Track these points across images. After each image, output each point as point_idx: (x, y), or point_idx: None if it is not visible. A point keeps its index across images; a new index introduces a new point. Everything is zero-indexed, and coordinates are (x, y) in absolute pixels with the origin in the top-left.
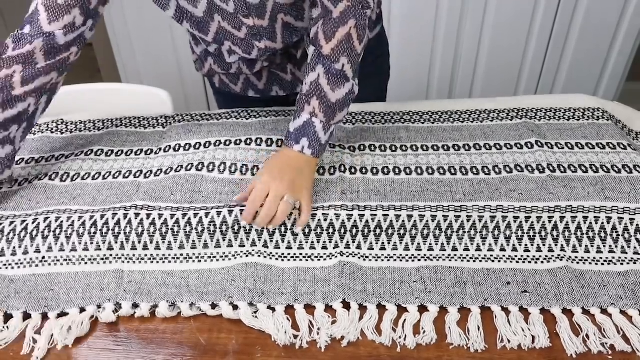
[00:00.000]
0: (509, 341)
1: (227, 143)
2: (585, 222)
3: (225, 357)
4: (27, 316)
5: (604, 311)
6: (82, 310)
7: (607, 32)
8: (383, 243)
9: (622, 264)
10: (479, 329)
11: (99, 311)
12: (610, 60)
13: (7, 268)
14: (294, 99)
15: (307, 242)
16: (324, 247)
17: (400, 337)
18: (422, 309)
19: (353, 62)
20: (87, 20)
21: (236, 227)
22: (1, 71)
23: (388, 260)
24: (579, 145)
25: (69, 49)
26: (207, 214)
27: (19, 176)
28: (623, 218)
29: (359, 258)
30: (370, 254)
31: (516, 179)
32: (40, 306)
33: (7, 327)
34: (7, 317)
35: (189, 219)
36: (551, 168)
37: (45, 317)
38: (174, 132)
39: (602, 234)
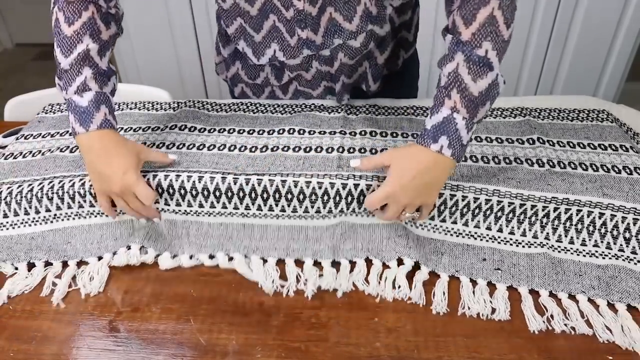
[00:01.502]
0: (468, 308)
1: (231, 131)
2: (577, 215)
3: (225, 357)
4: (48, 266)
5: (572, 297)
6: (100, 258)
7: (607, 32)
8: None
9: (604, 258)
10: (443, 294)
11: (112, 258)
12: (610, 60)
13: (25, 226)
14: None
15: (300, 208)
16: (318, 211)
17: (383, 290)
18: (401, 263)
19: (499, 49)
20: None
21: (229, 194)
22: (81, 14)
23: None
24: (581, 145)
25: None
26: (200, 179)
27: (34, 148)
28: (616, 215)
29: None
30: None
31: (514, 169)
32: (60, 256)
33: (31, 274)
34: (30, 266)
35: (182, 180)
36: (551, 163)
37: (65, 265)
38: (182, 115)
39: (591, 228)
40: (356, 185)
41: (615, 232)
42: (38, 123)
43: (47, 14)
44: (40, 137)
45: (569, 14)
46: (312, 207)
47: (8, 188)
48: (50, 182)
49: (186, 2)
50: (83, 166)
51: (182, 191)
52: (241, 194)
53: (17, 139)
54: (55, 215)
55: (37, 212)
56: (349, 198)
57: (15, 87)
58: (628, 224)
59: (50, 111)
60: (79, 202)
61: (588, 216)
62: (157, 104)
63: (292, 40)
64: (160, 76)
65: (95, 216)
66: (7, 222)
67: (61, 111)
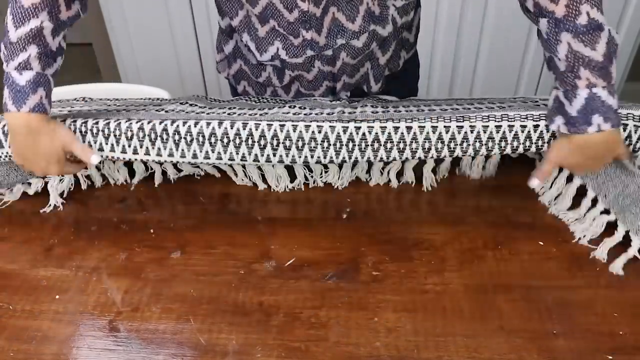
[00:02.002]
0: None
1: (232, 108)
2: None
3: (225, 357)
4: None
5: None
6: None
7: None
8: (381, 158)
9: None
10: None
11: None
12: None
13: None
14: None
15: (299, 157)
16: (318, 161)
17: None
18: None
19: (597, 5)
20: None
21: (225, 140)
22: (31, 21)
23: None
24: None
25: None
26: (196, 124)
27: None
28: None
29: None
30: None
31: (521, 107)
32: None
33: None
34: None
35: (177, 126)
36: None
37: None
38: (185, 98)
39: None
40: (357, 129)
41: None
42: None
43: None
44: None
45: None
46: (312, 156)
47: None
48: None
49: (186, 2)
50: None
51: (177, 136)
52: (237, 140)
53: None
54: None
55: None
56: (350, 144)
57: None
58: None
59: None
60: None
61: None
62: (163, 100)
63: (296, 41)
64: (160, 76)
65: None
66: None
67: (70, 106)
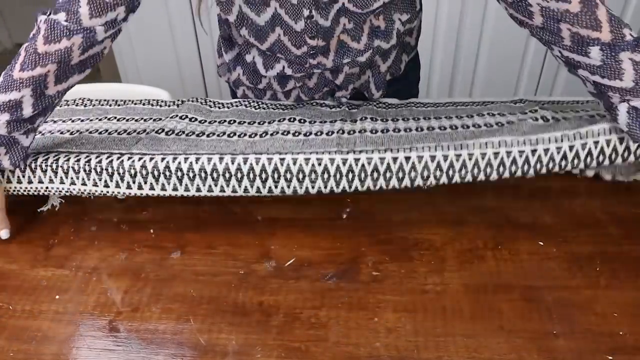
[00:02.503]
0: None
1: (231, 122)
2: (596, 147)
3: (225, 357)
4: None
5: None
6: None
7: None
8: (381, 187)
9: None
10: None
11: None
12: None
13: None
14: None
15: (300, 188)
16: (319, 192)
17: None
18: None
19: (630, 27)
20: (129, 14)
21: (227, 175)
22: (35, 68)
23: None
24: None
25: (103, 43)
26: (197, 160)
27: (63, 129)
28: (623, 138)
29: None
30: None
31: (519, 123)
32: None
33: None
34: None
35: (180, 162)
36: (555, 118)
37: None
38: (184, 107)
39: (613, 156)
40: (357, 160)
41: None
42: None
43: None
44: (69, 120)
45: None
46: (313, 187)
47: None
48: (46, 155)
49: (186, 2)
50: (81, 146)
51: (179, 173)
52: (239, 175)
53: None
54: (46, 188)
55: (30, 182)
56: (350, 175)
57: None
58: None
59: (58, 105)
60: (71, 178)
61: (607, 145)
62: (161, 101)
63: (305, 67)
64: (160, 76)
65: (88, 195)
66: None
67: (67, 105)
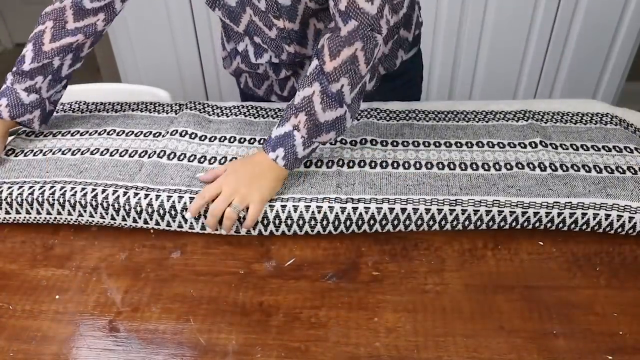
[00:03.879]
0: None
1: (232, 140)
2: (582, 218)
3: (225, 357)
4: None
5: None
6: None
7: (607, 32)
8: (377, 230)
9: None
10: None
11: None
12: (610, 60)
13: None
14: None
15: (300, 231)
16: (317, 234)
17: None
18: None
19: (354, 85)
20: None
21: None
22: (38, 26)
23: None
24: (584, 147)
25: (96, 15)
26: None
27: (35, 147)
28: (622, 216)
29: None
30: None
31: (515, 176)
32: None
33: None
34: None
35: (185, 202)
36: (553, 167)
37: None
38: (184, 119)
39: (596, 228)
40: (355, 209)
41: (621, 232)
42: None
43: None
44: (42, 135)
45: (569, 14)
46: (312, 231)
47: (9, 188)
48: (52, 187)
49: (186, 2)
50: (85, 171)
51: (173, 212)
52: (242, 221)
53: (17, 134)
54: (55, 218)
55: (39, 213)
56: (348, 222)
57: None
58: (635, 223)
59: (55, 111)
60: (79, 211)
61: (594, 219)
62: (158, 105)
63: (283, 56)
64: (160, 76)
65: (96, 225)
66: (10, 218)
67: (64, 111)
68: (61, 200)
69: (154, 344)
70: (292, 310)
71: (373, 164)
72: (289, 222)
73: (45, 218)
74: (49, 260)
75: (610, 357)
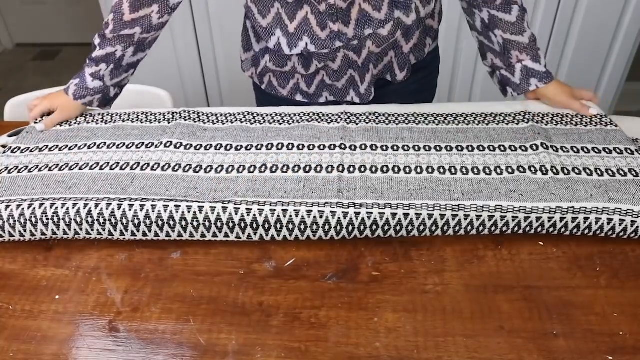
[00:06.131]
0: None
1: (228, 147)
2: (585, 223)
3: (225, 357)
4: None
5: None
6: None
7: (607, 32)
8: (379, 235)
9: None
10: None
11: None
12: (610, 60)
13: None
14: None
15: (302, 236)
16: (319, 239)
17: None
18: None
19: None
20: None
21: (230, 224)
22: (106, 19)
23: None
24: (585, 150)
25: (151, 6)
26: (200, 209)
27: (20, 163)
28: (624, 220)
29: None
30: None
31: (517, 180)
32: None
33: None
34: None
35: (183, 212)
36: (554, 170)
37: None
38: (177, 130)
39: (599, 232)
40: (357, 214)
41: (624, 237)
42: (26, 134)
43: (47, 14)
44: (28, 151)
45: (569, 14)
46: (314, 235)
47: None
48: (42, 204)
49: (186, 2)
50: (74, 187)
51: (183, 223)
52: (242, 225)
53: (4, 151)
54: (51, 238)
55: (33, 235)
56: (350, 227)
57: (15, 87)
58: (637, 227)
59: (42, 121)
60: (75, 229)
61: (596, 223)
62: (150, 114)
63: (323, 34)
64: (160, 76)
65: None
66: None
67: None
68: (55, 219)
69: (154, 344)
70: (292, 310)
71: (374, 169)
72: (290, 226)
73: (41, 238)
74: (49, 260)
75: (610, 358)
